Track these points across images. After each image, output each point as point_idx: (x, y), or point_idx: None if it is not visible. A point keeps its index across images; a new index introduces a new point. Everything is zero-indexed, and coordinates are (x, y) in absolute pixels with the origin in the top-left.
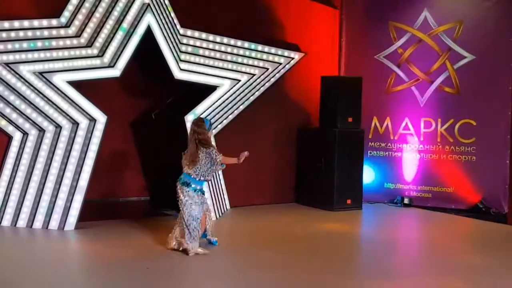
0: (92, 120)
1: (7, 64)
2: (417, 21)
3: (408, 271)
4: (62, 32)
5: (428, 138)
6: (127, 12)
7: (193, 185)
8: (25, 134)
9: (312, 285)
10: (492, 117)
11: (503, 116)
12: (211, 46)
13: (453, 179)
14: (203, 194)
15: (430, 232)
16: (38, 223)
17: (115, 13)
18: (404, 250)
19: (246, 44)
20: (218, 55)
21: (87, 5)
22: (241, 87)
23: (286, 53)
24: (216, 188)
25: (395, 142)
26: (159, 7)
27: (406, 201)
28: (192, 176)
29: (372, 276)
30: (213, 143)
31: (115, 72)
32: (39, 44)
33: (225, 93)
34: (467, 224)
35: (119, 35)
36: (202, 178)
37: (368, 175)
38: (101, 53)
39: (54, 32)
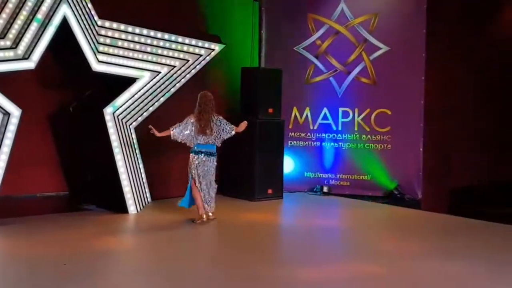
0: (6, 114)
1: None
2: (334, 13)
3: (327, 258)
4: None
5: (346, 128)
6: (41, 3)
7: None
8: None
9: (232, 274)
10: (406, 107)
11: (417, 105)
12: (130, 37)
13: (370, 167)
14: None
15: (348, 219)
16: None
17: (29, 4)
18: (323, 237)
19: (166, 36)
20: (137, 46)
21: None
22: (161, 79)
23: (206, 44)
24: (136, 180)
25: (314, 132)
26: None
27: (325, 189)
28: (214, 144)
29: (292, 264)
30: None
31: (30, 64)
32: None
33: (145, 85)
34: (383, 211)
35: (34, 26)
36: (218, 144)
37: (289, 164)
38: (15, 44)
39: None
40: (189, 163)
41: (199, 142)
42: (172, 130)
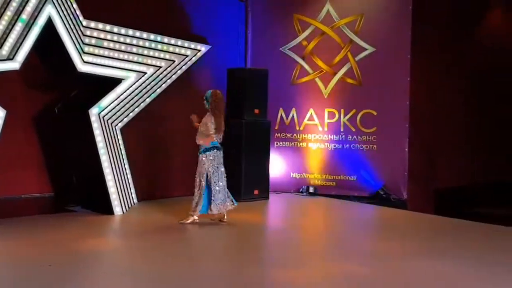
0: None
1: None
2: (320, 14)
3: (314, 259)
4: None
5: (332, 128)
6: (26, 3)
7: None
8: None
9: (217, 274)
10: (392, 107)
11: (402, 106)
12: (115, 38)
13: (356, 168)
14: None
15: (334, 220)
16: None
17: (14, 4)
18: (309, 238)
19: (152, 36)
20: (123, 47)
21: None
22: (147, 79)
23: (192, 45)
24: (122, 181)
25: (300, 132)
26: None
27: (311, 190)
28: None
29: (278, 265)
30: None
31: (14, 64)
32: None
33: (131, 86)
34: (369, 211)
35: (18, 26)
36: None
37: (275, 165)
38: None
39: None
40: (202, 165)
41: (215, 140)
42: (216, 136)
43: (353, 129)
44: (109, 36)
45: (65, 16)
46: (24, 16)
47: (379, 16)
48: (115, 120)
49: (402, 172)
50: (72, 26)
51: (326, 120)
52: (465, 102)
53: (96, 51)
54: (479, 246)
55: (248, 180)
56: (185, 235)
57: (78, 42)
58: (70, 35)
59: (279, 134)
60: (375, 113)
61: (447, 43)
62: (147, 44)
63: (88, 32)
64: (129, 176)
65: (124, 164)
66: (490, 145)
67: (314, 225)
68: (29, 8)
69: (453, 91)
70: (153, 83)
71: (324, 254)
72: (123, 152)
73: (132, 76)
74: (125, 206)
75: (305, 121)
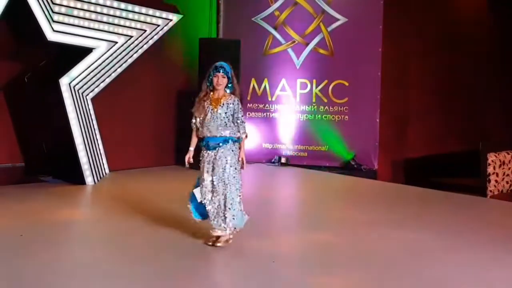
0: None
1: None
2: None
3: (286, 228)
4: None
5: (304, 99)
6: None
7: None
8: None
9: (189, 244)
10: (363, 78)
11: (374, 77)
12: (86, 6)
13: (327, 138)
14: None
15: (305, 190)
16: None
17: None
18: (280, 207)
19: (123, 5)
20: (93, 16)
21: None
22: (118, 49)
23: (164, 14)
24: (94, 151)
25: (272, 103)
26: None
27: (283, 160)
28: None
29: (251, 236)
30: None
31: None
32: None
33: (102, 55)
34: (340, 181)
35: None
36: None
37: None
38: None
39: None
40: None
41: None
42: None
43: (325, 100)
44: (79, 5)
45: None
46: None
47: None
48: (86, 90)
49: (373, 142)
50: None
51: (298, 91)
52: (435, 72)
53: (66, 19)
54: (444, 215)
55: None
56: (156, 204)
57: (48, 11)
58: (39, 3)
59: (251, 105)
60: (347, 84)
61: (418, 12)
62: (118, 13)
63: (57, 1)
64: (101, 146)
65: (95, 134)
66: (451, 114)
67: (286, 195)
68: None
69: (423, 62)
70: (124, 53)
71: (294, 223)
72: (94, 122)
73: (103, 46)
74: (96, 176)
75: (277, 91)
